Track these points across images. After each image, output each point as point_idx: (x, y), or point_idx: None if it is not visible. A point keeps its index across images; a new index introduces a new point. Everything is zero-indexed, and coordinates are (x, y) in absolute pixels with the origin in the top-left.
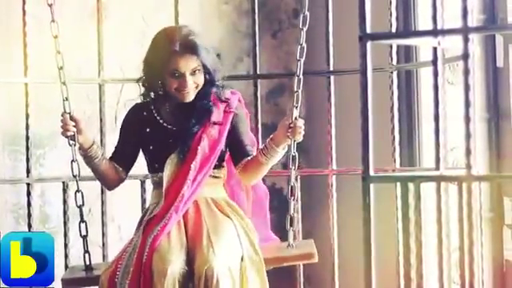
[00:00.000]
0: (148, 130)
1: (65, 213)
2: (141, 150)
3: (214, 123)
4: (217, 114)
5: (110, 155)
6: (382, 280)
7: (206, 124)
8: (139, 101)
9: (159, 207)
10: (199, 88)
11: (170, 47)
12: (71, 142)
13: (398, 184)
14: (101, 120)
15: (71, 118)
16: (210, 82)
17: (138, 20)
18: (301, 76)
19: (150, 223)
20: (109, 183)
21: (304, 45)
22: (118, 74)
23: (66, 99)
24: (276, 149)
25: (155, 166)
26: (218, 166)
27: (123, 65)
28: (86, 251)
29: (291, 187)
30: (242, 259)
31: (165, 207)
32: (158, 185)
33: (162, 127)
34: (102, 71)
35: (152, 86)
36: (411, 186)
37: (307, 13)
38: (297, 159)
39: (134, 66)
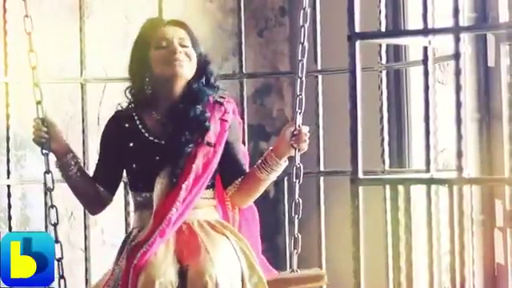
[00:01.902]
0: (131, 144)
1: (46, 216)
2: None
3: (208, 144)
4: (212, 131)
5: (92, 175)
6: (371, 284)
7: (200, 142)
8: (122, 105)
9: (144, 232)
10: (192, 69)
11: (156, 23)
12: (44, 151)
13: (388, 186)
14: (83, 120)
15: (43, 123)
16: (200, 72)
17: (121, 18)
18: (303, 78)
19: (133, 251)
20: (91, 205)
21: (306, 44)
22: (100, 74)
23: (39, 103)
24: (279, 161)
25: (139, 186)
26: (209, 186)
27: (106, 64)
28: (62, 277)
29: (295, 203)
30: (242, 280)
31: (150, 231)
32: (141, 205)
33: (147, 141)
34: (84, 70)
35: (138, 81)
36: (401, 188)
37: (308, 9)
38: (301, 172)
39: (117, 66)
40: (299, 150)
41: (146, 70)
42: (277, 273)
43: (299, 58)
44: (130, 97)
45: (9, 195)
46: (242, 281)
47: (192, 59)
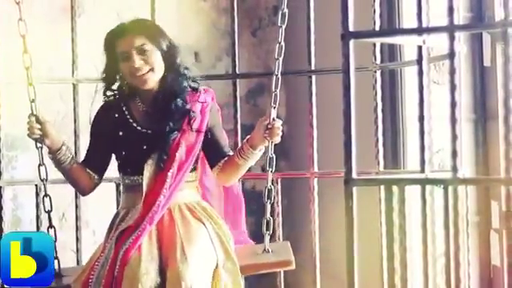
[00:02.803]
0: (121, 133)
1: (37, 217)
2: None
3: (196, 130)
4: (197, 119)
5: (82, 159)
6: (366, 285)
7: (185, 128)
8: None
9: (133, 217)
10: (158, 72)
11: (116, 33)
12: (38, 144)
13: (382, 187)
14: (75, 121)
15: (37, 121)
16: (170, 66)
17: (113, 17)
18: (279, 75)
19: (123, 234)
20: (81, 189)
21: (282, 43)
22: (92, 74)
23: (33, 101)
24: (252, 151)
25: (127, 170)
26: (192, 170)
27: (98, 64)
28: (55, 257)
29: (268, 190)
30: (216, 267)
31: (140, 218)
32: (129, 188)
33: (135, 131)
34: (75, 70)
35: (117, 81)
36: (395, 189)
37: (286, 10)
38: (274, 161)
39: None
40: (272, 142)
41: (121, 76)
42: (252, 243)
43: (276, 57)
44: (110, 94)
45: (0, 196)
46: (216, 266)
47: (154, 65)
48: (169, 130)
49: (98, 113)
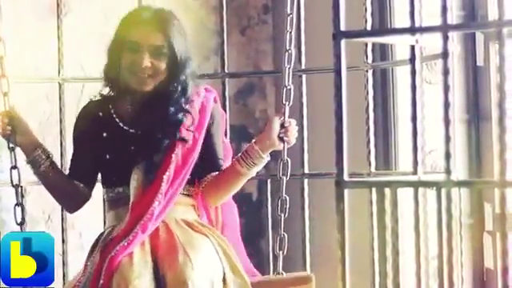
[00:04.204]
0: (105, 134)
1: (23, 219)
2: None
3: (183, 139)
4: (196, 117)
5: (68, 172)
6: None
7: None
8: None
9: (121, 227)
10: (159, 78)
11: (134, 19)
12: (10, 145)
13: (374, 189)
14: (61, 121)
15: (8, 115)
16: (174, 75)
17: (100, 16)
18: (291, 68)
19: (109, 245)
20: (68, 202)
21: (293, 33)
22: (78, 73)
23: (6, 94)
24: (262, 155)
25: (112, 180)
26: (190, 182)
27: (84, 63)
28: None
29: (281, 200)
30: (224, 281)
31: (129, 225)
32: (115, 202)
33: (121, 131)
34: (61, 70)
35: (111, 72)
36: (387, 191)
37: None
38: (289, 167)
39: (96, 65)
40: (288, 143)
41: (118, 68)
42: (260, 276)
43: (287, 29)
44: (108, 82)
45: None
46: (224, 281)
47: (159, 74)
48: (160, 137)
49: (80, 113)
